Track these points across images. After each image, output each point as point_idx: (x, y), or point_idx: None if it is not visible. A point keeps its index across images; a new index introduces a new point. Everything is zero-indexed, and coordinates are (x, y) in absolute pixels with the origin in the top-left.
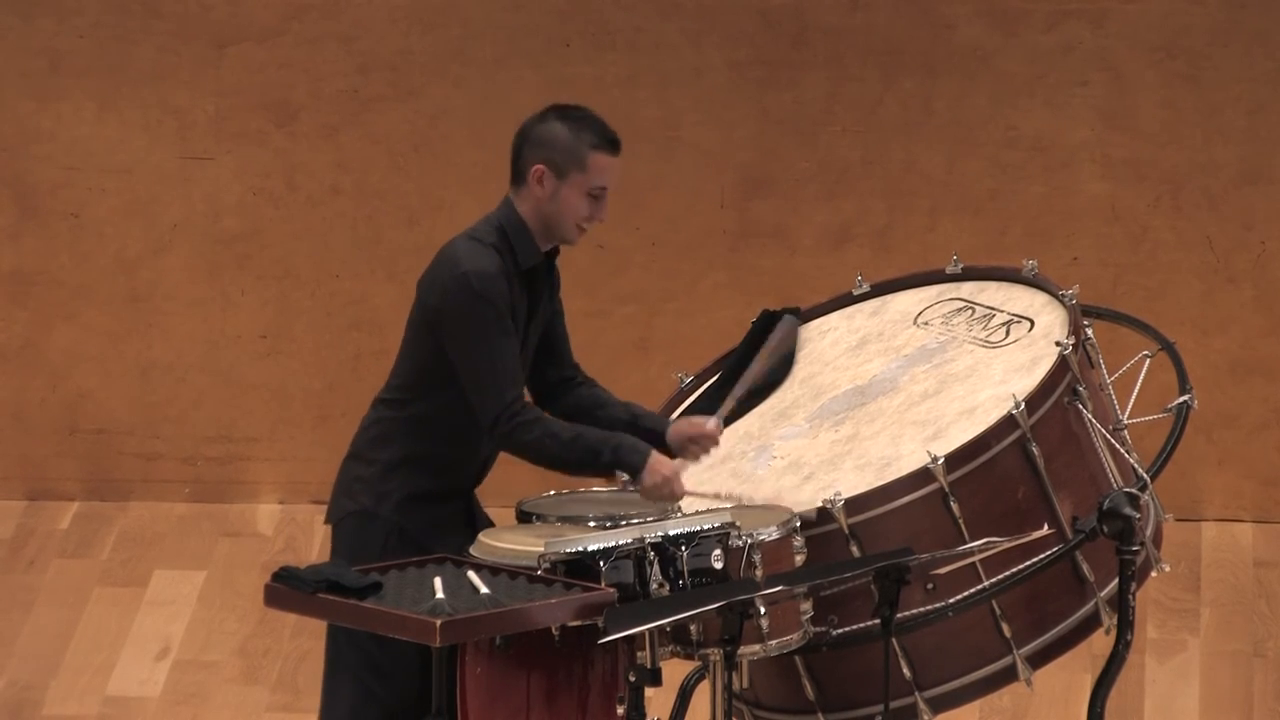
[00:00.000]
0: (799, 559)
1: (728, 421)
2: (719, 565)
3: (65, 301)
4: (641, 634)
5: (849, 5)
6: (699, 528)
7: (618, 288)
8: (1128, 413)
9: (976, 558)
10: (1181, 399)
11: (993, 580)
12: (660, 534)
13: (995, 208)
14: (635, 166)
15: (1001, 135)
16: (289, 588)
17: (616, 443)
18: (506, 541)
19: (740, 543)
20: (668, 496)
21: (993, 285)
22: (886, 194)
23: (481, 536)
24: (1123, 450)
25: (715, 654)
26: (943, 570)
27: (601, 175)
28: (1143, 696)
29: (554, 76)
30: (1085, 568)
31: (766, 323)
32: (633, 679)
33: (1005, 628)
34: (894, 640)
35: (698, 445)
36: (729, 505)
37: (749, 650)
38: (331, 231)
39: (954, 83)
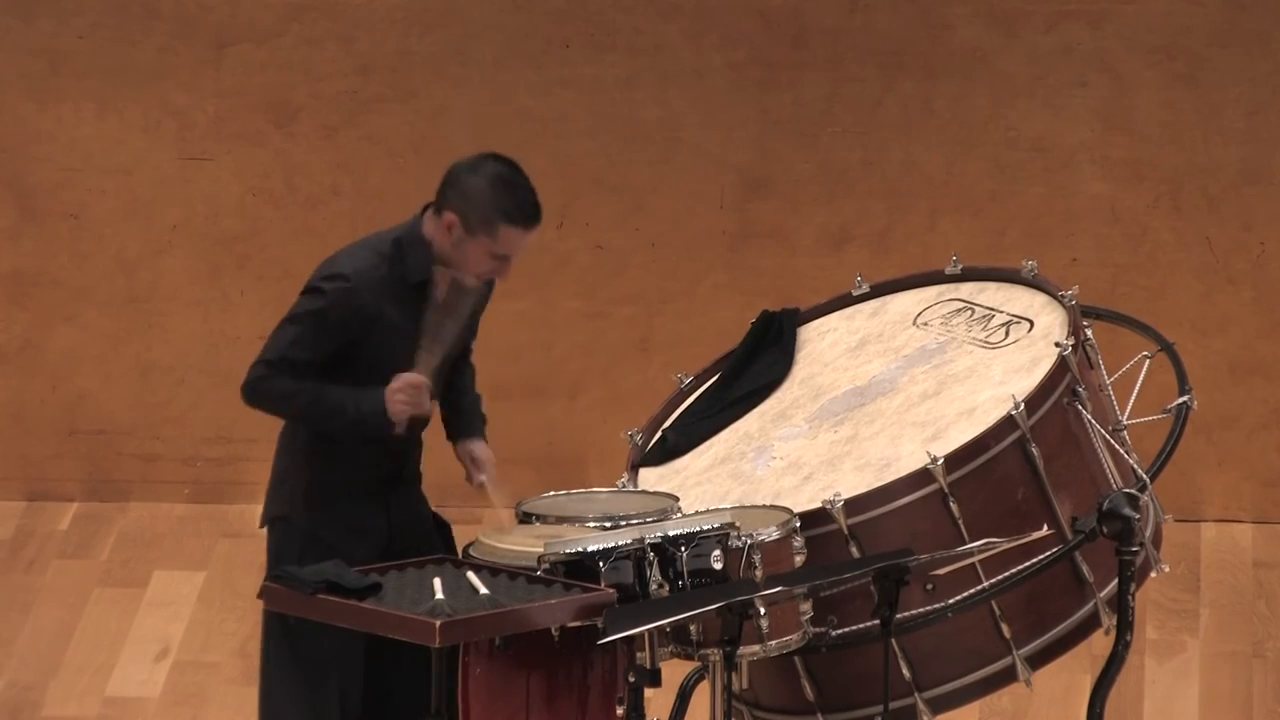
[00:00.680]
0: (799, 559)
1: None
2: (719, 566)
3: (65, 302)
4: (641, 634)
5: (849, 6)
6: (699, 528)
7: (618, 288)
8: (1127, 413)
9: (976, 558)
10: (1181, 400)
11: (992, 581)
12: (660, 534)
13: (995, 208)
14: (635, 167)
15: (1001, 136)
16: (288, 588)
17: (349, 391)
18: (506, 542)
19: (740, 543)
20: (413, 394)
21: (992, 286)
22: (886, 195)
23: (481, 537)
24: (1122, 451)
25: (715, 654)
26: (942, 571)
27: (507, 246)
28: (1142, 697)
29: (554, 77)
30: (1085, 568)
31: (766, 323)
32: (632, 679)
33: (1005, 628)
34: (893, 641)
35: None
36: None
37: (749, 651)
38: (331, 232)
39: (954, 83)
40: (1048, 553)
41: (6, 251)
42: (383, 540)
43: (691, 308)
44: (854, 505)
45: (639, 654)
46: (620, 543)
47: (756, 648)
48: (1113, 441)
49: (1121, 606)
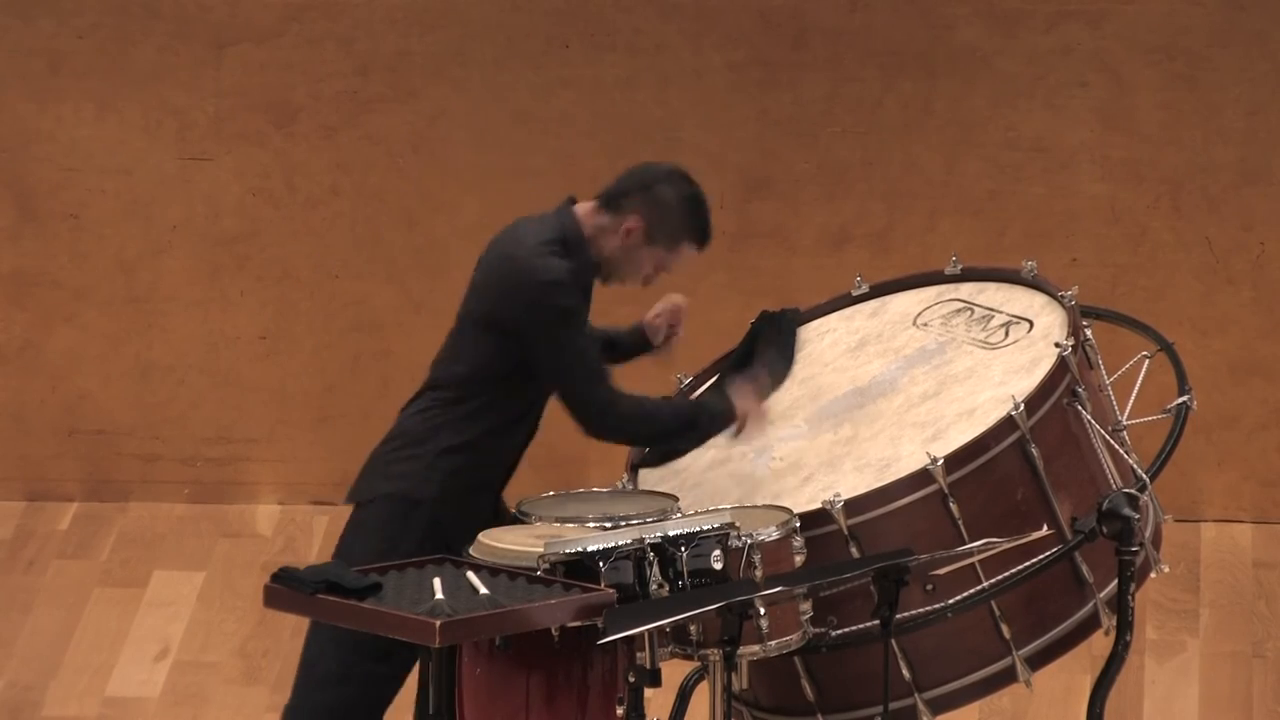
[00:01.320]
0: (799, 560)
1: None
2: (718, 566)
3: (65, 302)
4: (641, 635)
5: (849, 6)
6: (699, 528)
7: (617, 289)
8: (1127, 414)
9: (976, 559)
10: (1181, 400)
11: (992, 581)
12: (660, 534)
13: (994, 208)
14: None
15: (1001, 136)
16: (288, 588)
17: (700, 404)
18: (506, 542)
19: (740, 543)
20: (763, 419)
21: (992, 286)
22: (886, 195)
23: (481, 537)
24: (1122, 451)
25: (715, 655)
26: (942, 571)
27: (678, 262)
28: (1142, 697)
29: (554, 77)
30: (1085, 569)
31: (766, 323)
32: (632, 680)
33: (1005, 629)
34: (893, 641)
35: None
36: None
37: (748, 651)
38: (331, 232)
39: (954, 83)
40: (1048, 553)
41: (6, 251)
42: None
43: (691, 308)
44: (854, 506)
45: (639, 654)
46: (620, 543)
47: (756, 648)
48: (1112, 442)
49: (1121, 607)
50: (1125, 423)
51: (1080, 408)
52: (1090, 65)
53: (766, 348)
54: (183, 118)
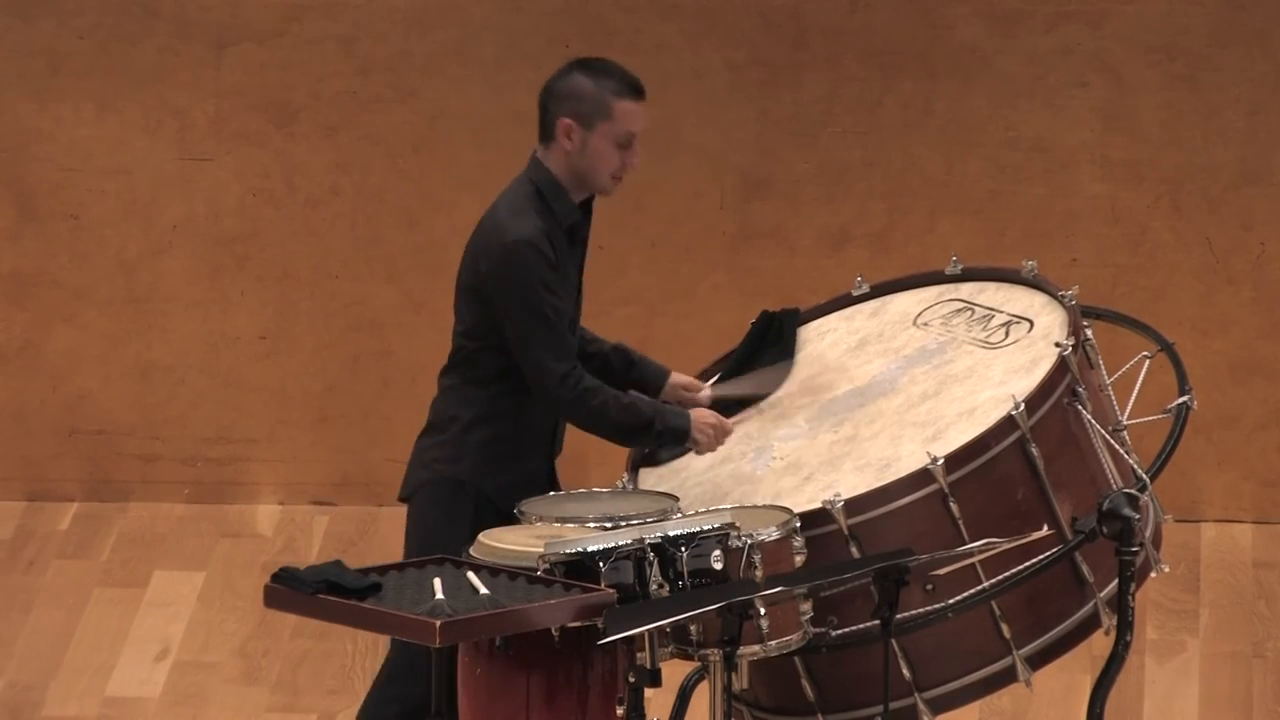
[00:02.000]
0: (799, 560)
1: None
2: (719, 566)
3: (65, 303)
4: (641, 635)
5: (849, 6)
6: (699, 528)
7: (617, 288)
8: (1127, 414)
9: (976, 559)
10: (1181, 400)
11: (992, 581)
12: (660, 534)
13: (995, 209)
14: None
15: (1001, 136)
16: (289, 588)
17: (661, 409)
18: (506, 542)
19: (740, 543)
20: (722, 439)
21: (992, 286)
22: (886, 195)
23: (481, 537)
24: (1122, 451)
25: (715, 655)
26: (942, 571)
27: (628, 121)
28: (1142, 697)
29: None
30: (1085, 569)
31: (766, 323)
32: (632, 680)
33: (1005, 629)
34: (894, 641)
35: (689, 393)
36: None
37: (749, 651)
38: (331, 232)
39: (954, 84)
40: (1048, 553)
41: (6, 251)
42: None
43: (691, 308)
44: (854, 505)
45: (639, 654)
46: (620, 543)
47: (756, 648)
48: (1113, 442)
49: (1121, 607)
50: (1125, 423)
51: (1080, 408)
52: (1090, 65)
53: (766, 348)
54: (183, 118)
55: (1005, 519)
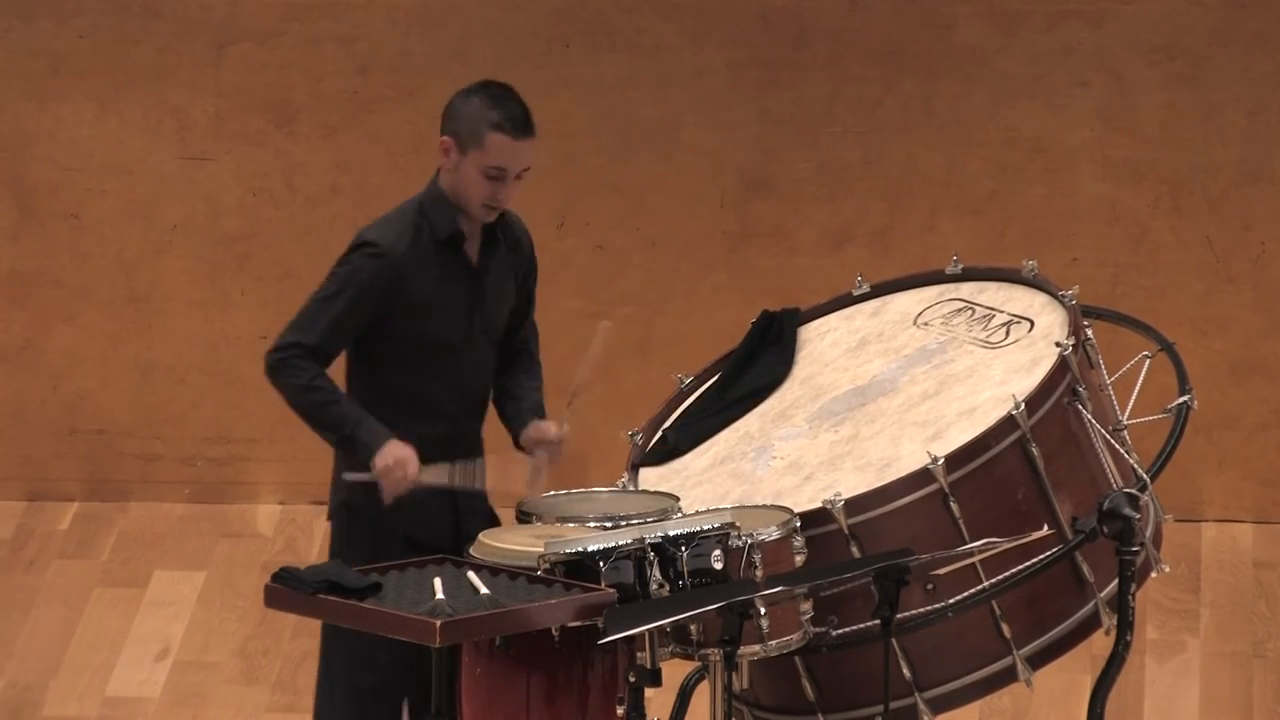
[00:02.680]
0: (799, 559)
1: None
2: (719, 565)
3: (65, 302)
4: (641, 634)
5: (849, 5)
6: (699, 528)
7: (618, 288)
8: (1128, 413)
9: (976, 558)
10: (1181, 399)
11: (992, 581)
12: (660, 534)
13: (995, 208)
14: (635, 167)
15: (1001, 136)
16: (289, 588)
17: (362, 420)
18: (506, 542)
19: (740, 543)
20: (400, 480)
21: (992, 286)
22: (886, 194)
23: (482, 537)
24: (1123, 451)
25: (715, 654)
26: (943, 571)
27: (498, 156)
28: (1142, 697)
29: (554, 77)
30: (1085, 568)
31: (766, 323)
32: (633, 679)
33: (1005, 628)
34: (894, 641)
35: (544, 448)
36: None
37: (749, 651)
38: (331, 232)
39: (954, 83)
40: (1048, 553)
41: (6, 251)
42: (448, 523)
43: (691, 308)
44: (854, 505)
45: (639, 654)
46: (620, 542)
47: (757, 647)
48: (1113, 441)
49: (1122, 606)
50: (1126, 422)
51: (1081, 407)
52: (1091, 65)
53: (766, 348)
54: (183, 117)
55: (1005, 518)
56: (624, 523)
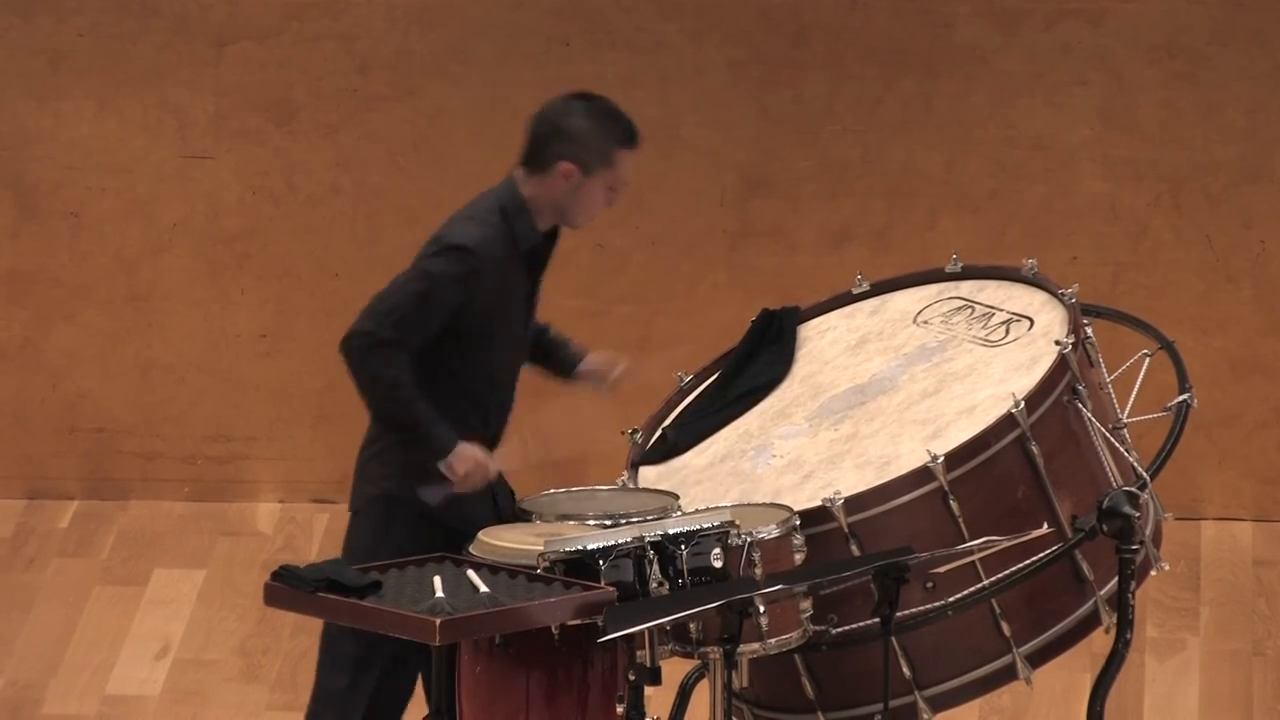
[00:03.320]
0: (798, 558)
1: None
2: (718, 564)
3: (65, 301)
4: (641, 633)
5: (849, 5)
6: (699, 526)
7: (617, 287)
8: (1127, 412)
9: (976, 556)
10: (1181, 398)
11: (992, 579)
12: (660, 533)
13: (995, 207)
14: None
15: (1001, 135)
16: (289, 587)
17: (435, 420)
18: (506, 540)
19: (740, 541)
20: (479, 482)
21: (992, 284)
22: (886, 193)
23: (481, 535)
24: (1122, 449)
25: (715, 653)
26: (942, 569)
27: (626, 169)
28: (1142, 696)
29: (554, 76)
30: (1085, 567)
31: (766, 322)
32: (632, 678)
33: (1005, 626)
34: (893, 639)
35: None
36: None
37: (749, 649)
38: (331, 231)
39: (954, 82)
40: (1048, 551)
41: (6, 250)
42: (489, 506)
43: (691, 306)
44: (854, 503)
45: (639, 652)
46: (620, 541)
47: (756, 646)
48: (1113, 440)
49: (1121, 605)
50: (1125, 420)
51: (1080, 405)
52: (1090, 63)
53: (766, 346)
54: (183, 116)
55: (1005, 517)
56: (624, 521)
